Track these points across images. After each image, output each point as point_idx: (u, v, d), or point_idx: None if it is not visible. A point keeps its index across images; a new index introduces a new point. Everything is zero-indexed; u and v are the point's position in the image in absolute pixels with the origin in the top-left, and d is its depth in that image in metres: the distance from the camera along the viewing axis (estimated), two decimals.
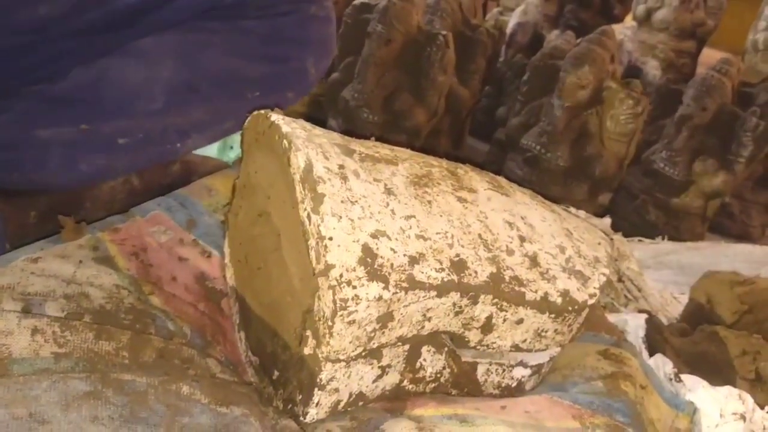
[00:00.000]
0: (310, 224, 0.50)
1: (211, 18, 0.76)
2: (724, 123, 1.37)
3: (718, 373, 0.77)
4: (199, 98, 0.78)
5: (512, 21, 1.74)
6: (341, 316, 0.48)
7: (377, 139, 0.64)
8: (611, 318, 0.85)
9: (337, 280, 0.48)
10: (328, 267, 0.48)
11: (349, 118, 1.42)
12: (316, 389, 0.52)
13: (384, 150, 0.61)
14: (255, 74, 0.80)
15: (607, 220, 1.01)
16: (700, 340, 0.81)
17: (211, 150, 1.00)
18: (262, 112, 0.59)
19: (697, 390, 0.70)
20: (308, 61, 0.79)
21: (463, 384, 0.60)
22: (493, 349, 0.59)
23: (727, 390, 0.69)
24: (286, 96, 0.85)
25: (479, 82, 1.50)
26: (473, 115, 1.68)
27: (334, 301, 0.48)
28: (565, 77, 1.28)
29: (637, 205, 1.42)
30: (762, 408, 0.69)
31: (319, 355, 0.51)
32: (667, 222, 1.39)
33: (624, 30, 1.65)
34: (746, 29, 2.23)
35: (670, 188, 1.39)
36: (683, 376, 0.72)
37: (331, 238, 0.49)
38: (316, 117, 1.51)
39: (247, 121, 0.62)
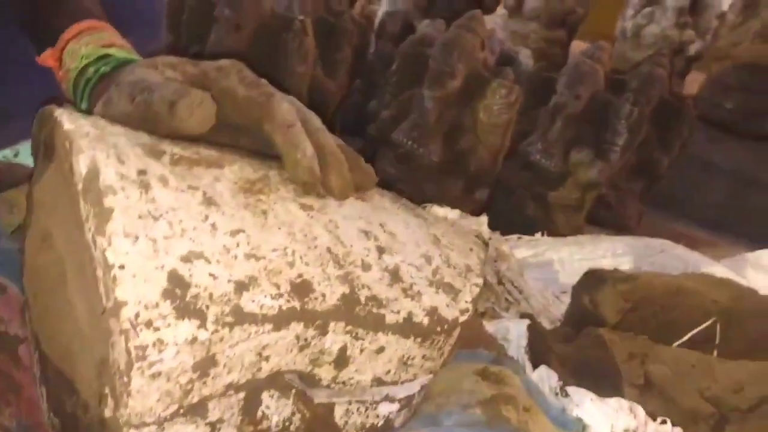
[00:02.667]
0: (95, 249, 0.38)
1: None
2: (597, 111, 1.36)
3: (605, 380, 0.72)
4: (1, 86, 0.66)
5: (381, 10, 1.67)
6: (140, 368, 0.37)
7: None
8: (492, 325, 0.78)
9: (131, 322, 0.37)
10: (119, 304, 0.37)
11: None
12: None
13: (208, 151, 0.49)
14: None
15: (483, 219, 0.95)
16: (585, 345, 0.76)
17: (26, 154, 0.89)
18: (48, 107, 0.47)
19: (584, 404, 0.64)
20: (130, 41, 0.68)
21: (318, 430, 0.50)
22: (352, 385, 0.49)
23: (616, 403, 0.64)
24: None
25: (347, 74, 1.41)
26: (344, 110, 1.59)
27: (128, 350, 0.37)
28: (433, 66, 1.21)
29: (514, 199, 1.39)
30: (654, 418, 0.64)
31: (119, 420, 0.39)
32: (545, 216, 1.36)
33: (495, 19, 1.62)
34: (615, 17, 2.28)
35: (547, 181, 1.36)
36: (570, 389, 0.66)
37: (122, 267, 0.38)
38: None
39: (35, 119, 0.50)
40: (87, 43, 0.57)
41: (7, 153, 0.94)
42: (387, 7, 1.65)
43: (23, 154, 0.97)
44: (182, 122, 0.46)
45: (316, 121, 0.51)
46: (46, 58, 0.59)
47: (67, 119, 0.44)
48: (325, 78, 1.34)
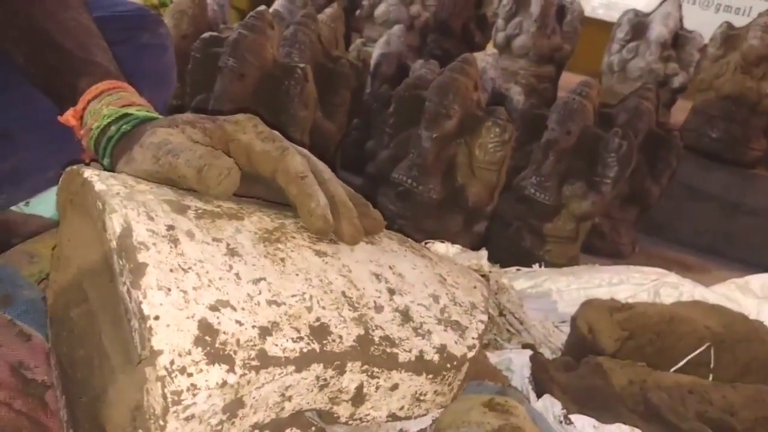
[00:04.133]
0: (130, 302, 0.41)
1: None
2: (588, 145, 1.40)
3: (605, 407, 0.74)
4: (13, 145, 0.68)
5: (376, 52, 1.71)
6: (175, 412, 0.40)
7: None
8: (495, 357, 0.80)
9: (166, 369, 0.39)
10: (155, 353, 0.40)
11: None
12: None
13: (228, 203, 0.53)
14: None
15: (483, 253, 0.98)
16: (586, 374, 0.78)
17: (49, 205, 0.90)
18: (75, 167, 0.50)
19: (586, 431, 0.66)
20: (143, 94, 0.71)
21: None
22: (368, 421, 0.52)
23: (617, 429, 0.66)
24: None
25: (345, 115, 1.45)
26: (344, 149, 1.62)
27: (164, 396, 0.39)
28: (430, 107, 1.25)
29: (511, 232, 1.41)
30: None
31: None
32: (541, 248, 1.39)
33: (486, 57, 1.67)
34: (601, 52, 2.34)
35: (543, 213, 1.39)
36: (573, 417, 0.68)
37: (157, 317, 0.40)
38: None
39: (60, 178, 0.53)
40: (108, 103, 0.60)
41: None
42: (381, 49, 1.69)
43: (33, 203, 0.99)
44: (209, 189, 0.48)
45: (326, 171, 0.54)
46: (68, 117, 0.61)
47: (97, 180, 0.47)
48: (325, 120, 1.38)
